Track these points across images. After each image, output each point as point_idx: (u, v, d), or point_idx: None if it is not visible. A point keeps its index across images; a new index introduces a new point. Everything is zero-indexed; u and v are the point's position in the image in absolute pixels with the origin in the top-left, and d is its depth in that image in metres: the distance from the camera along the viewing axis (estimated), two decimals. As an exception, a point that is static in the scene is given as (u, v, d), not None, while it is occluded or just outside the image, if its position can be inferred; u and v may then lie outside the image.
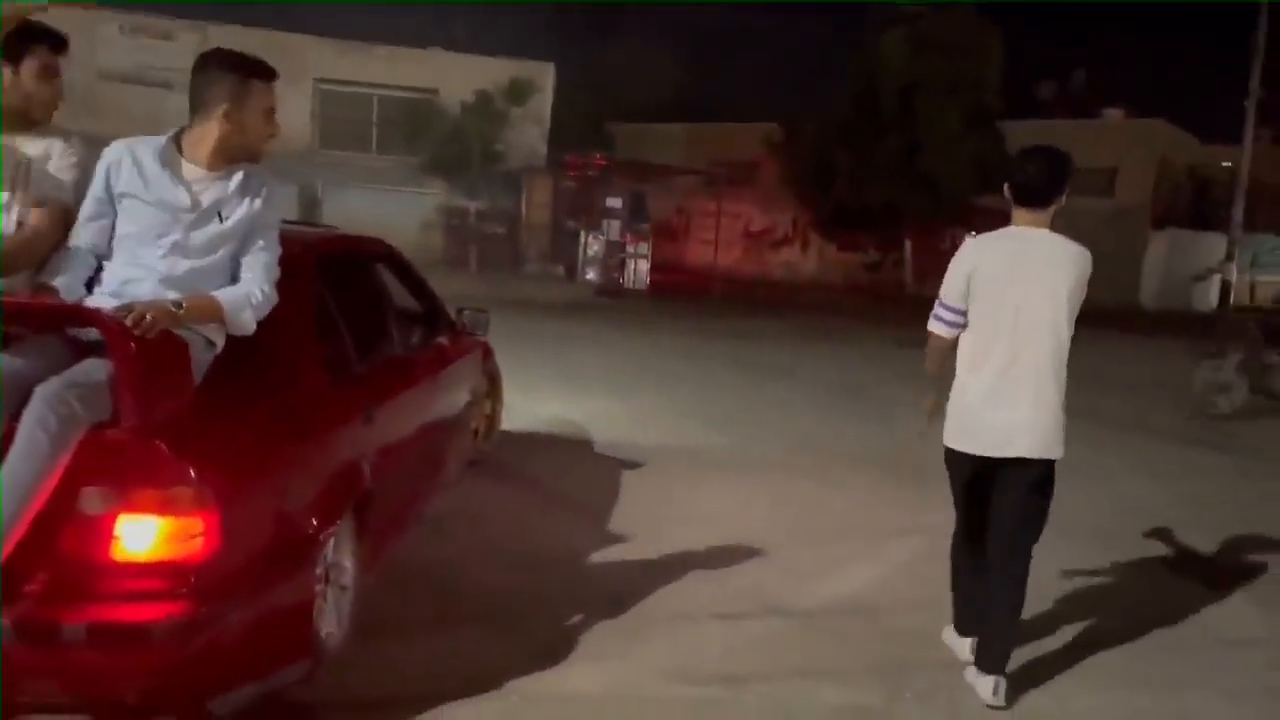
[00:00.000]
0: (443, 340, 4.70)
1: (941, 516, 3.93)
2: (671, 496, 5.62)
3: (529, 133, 21.71)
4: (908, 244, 26.32)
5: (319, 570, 2.89)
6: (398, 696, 3.14)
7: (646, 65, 33.82)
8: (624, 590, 4.15)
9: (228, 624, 2.46)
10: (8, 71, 2.75)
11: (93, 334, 2.47)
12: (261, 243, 2.83)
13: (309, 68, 20.92)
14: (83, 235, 2.74)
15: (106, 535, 2.34)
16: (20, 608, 2.23)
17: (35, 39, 2.80)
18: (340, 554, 3.09)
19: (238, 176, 2.80)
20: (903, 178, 23.03)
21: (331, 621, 3.05)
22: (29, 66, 2.78)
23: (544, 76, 21.99)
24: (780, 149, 25.52)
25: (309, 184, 19.86)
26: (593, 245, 20.39)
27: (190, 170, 2.76)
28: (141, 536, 2.35)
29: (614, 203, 20.80)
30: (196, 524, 2.37)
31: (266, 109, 2.82)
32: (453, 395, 4.69)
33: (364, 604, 3.33)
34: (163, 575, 2.35)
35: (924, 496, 5.78)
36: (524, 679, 3.33)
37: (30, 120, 2.80)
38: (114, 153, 2.76)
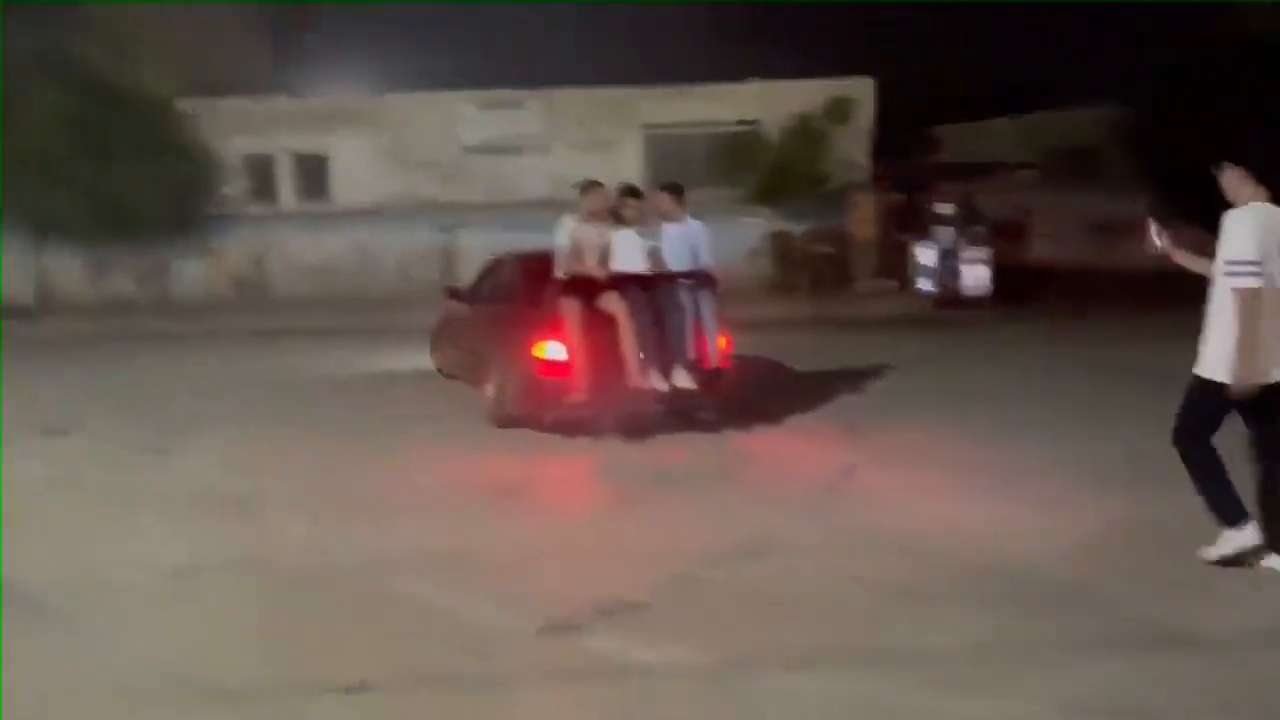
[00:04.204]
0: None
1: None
2: (1054, 518, 5.50)
3: (852, 149, 21.64)
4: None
5: None
6: None
7: (965, 62, 32.61)
8: (999, 618, 4.15)
9: (729, 375, 8.48)
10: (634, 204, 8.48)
11: (686, 282, 8.33)
12: (702, 248, 8.43)
13: (638, 116, 22.27)
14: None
15: (705, 348, 8.28)
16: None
17: (633, 194, 8.57)
18: None
19: (686, 222, 8.48)
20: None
21: None
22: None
23: (864, 91, 21.82)
24: (1123, 130, 23.43)
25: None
26: (923, 255, 19.88)
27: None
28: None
29: (943, 208, 20.19)
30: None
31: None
32: None
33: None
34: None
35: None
36: (902, 708, 3.41)
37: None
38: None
